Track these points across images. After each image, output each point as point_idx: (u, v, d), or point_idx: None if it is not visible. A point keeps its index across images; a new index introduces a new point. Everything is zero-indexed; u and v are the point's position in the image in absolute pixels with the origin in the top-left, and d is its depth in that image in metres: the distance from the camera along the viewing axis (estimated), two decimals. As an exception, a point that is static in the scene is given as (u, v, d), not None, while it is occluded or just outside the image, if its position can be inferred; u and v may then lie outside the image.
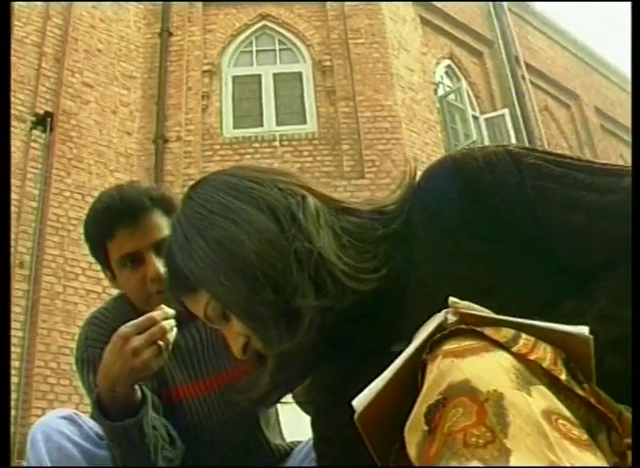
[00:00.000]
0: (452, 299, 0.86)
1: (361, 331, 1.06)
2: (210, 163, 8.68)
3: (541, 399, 0.73)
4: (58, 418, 1.56)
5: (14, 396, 6.94)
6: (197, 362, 1.72)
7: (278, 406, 1.78)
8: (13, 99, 8.35)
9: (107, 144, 8.68)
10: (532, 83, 12.01)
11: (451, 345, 0.80)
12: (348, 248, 1.04)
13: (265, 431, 1.78)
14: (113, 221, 1.66)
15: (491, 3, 12.01)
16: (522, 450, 0.68)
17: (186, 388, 1.71)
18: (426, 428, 0.75)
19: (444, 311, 0.86)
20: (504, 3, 12.15)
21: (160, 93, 9.16)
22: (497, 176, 1.00)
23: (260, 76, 9.63)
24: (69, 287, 7.61)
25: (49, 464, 1.48)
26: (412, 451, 0.78)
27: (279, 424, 1.90)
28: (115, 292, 1.88)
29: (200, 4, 9.89)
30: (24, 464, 1.51)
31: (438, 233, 1.02)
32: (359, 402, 0.85)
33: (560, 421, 0.72)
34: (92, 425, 1.57)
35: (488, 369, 0.75)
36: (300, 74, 9.65)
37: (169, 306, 1.55)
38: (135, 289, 1.69)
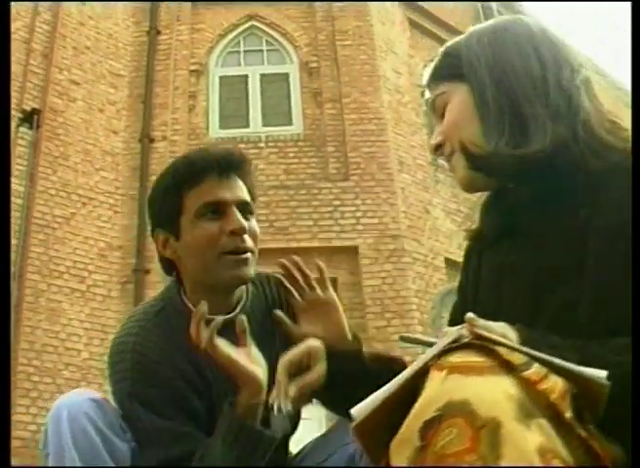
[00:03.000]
0: (469, 315, 0.85)
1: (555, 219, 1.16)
2: (196, 162, 8.67)
3: (540, 434, 0.72)
4: (87, 400, 1.52)
5: (-4, 393, 6.96)
6: None
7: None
8: (-1, 97, 8.34)
9: (94, 143, 8.68)
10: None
11: (458, 358, 0.79)
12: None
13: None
14: (207, 167, 1.61)
15: (480, 5, 12.01)
16: None
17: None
18: (419, 444, 0.74)
19: (457, 327, 0.85)
20: (494, 5, 12.16)
21: (147, 92, 9.14)
22: None
23: (247, 76, 9.62)
24: (53, 285, 7.62)
25: (70, 445, 1.45)
26: (401, 463, 0.77)
27: None
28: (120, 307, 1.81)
29: (189, 3, 9.89)
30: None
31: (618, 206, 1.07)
32: (358, 411, 0.85)
33: (554, 461, 0.72)
34: (117, 415, 1.55)
35: (491, 393, 0.74)
36: (287, 75, 9.63)
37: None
38: (207, 243, 1.59)
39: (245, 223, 1.61)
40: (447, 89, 1.30)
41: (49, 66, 8.78)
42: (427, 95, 1.38)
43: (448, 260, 8.41)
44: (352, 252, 8.12)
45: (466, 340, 0.82)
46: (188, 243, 1.62)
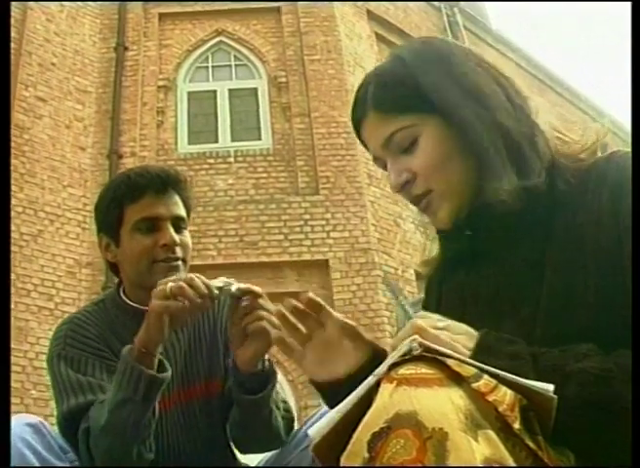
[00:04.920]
0: (420, 323, 0.86)
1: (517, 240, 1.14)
2: (165, 178, 8.64)
3: (487, 445, 0.72)
4: (23, 425, 1.54)
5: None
6: (176, 370, 1.73)
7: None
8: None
9: (61, 159, 8.62)
10: (486, 99, 12.12)
11: (407, 370, 0.79)
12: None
13: (233, 452, 1.83)
14: (145, 185, 1.77)
15: (446, 20, 12.16)
16: None
17: (169, 396, 1.72)
18: (367, 455, 0.75)
19: (409, 339, 0.85)
20: (460, 19, 12.31)
21: (115, 108, 9.11)
22: None
23: (215, 92, 9.63)
24: (21, 303, 7.52)
25: None
26: None
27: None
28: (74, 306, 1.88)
29: (156, 19, 9.89)
30: None
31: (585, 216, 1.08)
32: (317, 431, 0.85)
33: None
34: (55, 436, 1.59)
35: (438, 404, 0.74)
36: (255, 90, 9.67)
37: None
38: (141, 254, 1.76)
39: (177, 238, 1.78)
40: (411, 122, 1.16)
41: (14, 83, 8.69)
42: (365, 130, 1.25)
43: (418, 273, 8.43)
44: (323, 265, 8.12)
45: (417, 353, 0.82)
46: (126, 252, 1.80)
